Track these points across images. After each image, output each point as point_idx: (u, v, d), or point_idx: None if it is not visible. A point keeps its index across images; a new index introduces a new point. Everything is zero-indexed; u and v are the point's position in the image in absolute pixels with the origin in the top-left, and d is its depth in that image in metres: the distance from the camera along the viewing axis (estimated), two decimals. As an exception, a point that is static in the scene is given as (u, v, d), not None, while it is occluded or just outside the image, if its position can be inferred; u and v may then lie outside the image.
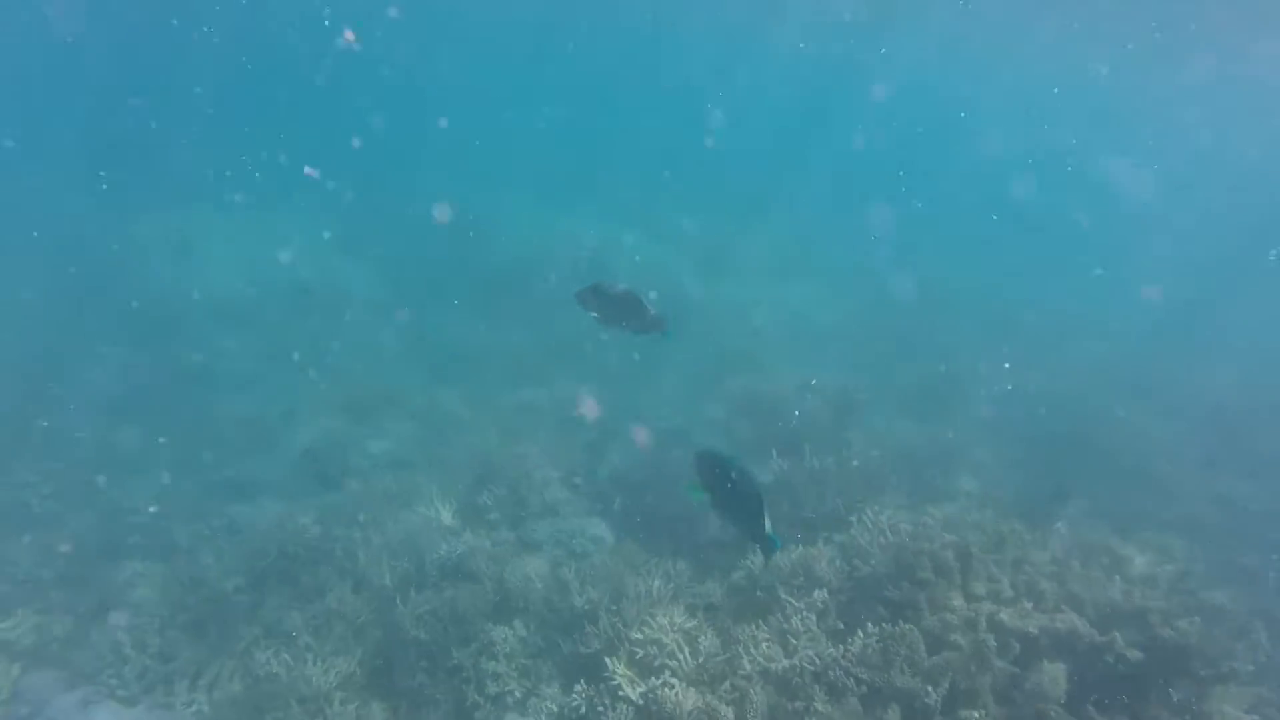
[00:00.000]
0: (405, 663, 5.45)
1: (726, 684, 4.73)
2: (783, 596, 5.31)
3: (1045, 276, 20.09)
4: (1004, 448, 10.13)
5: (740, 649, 4.89)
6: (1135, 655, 4.43)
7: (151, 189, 17.05)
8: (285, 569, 6.54)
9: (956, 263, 20.05)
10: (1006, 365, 13.05)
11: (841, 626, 5.12)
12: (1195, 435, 10.80)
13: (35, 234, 13.44)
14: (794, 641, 4.94)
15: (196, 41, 28.27)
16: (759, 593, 5.56)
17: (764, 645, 4.89)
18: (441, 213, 17.01)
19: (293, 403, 10.32)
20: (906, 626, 4.77)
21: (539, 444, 8.71)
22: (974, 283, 18.55)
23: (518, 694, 5.28)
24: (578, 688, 4.98)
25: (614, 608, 5.54)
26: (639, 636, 5.07)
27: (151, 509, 7.91)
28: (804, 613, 5.14)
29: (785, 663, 4.75)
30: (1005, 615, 4.89)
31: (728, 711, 4.47)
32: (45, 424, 9.32)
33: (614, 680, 4.84)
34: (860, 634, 4.86)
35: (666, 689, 4.59)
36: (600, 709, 4.76)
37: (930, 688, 4.48)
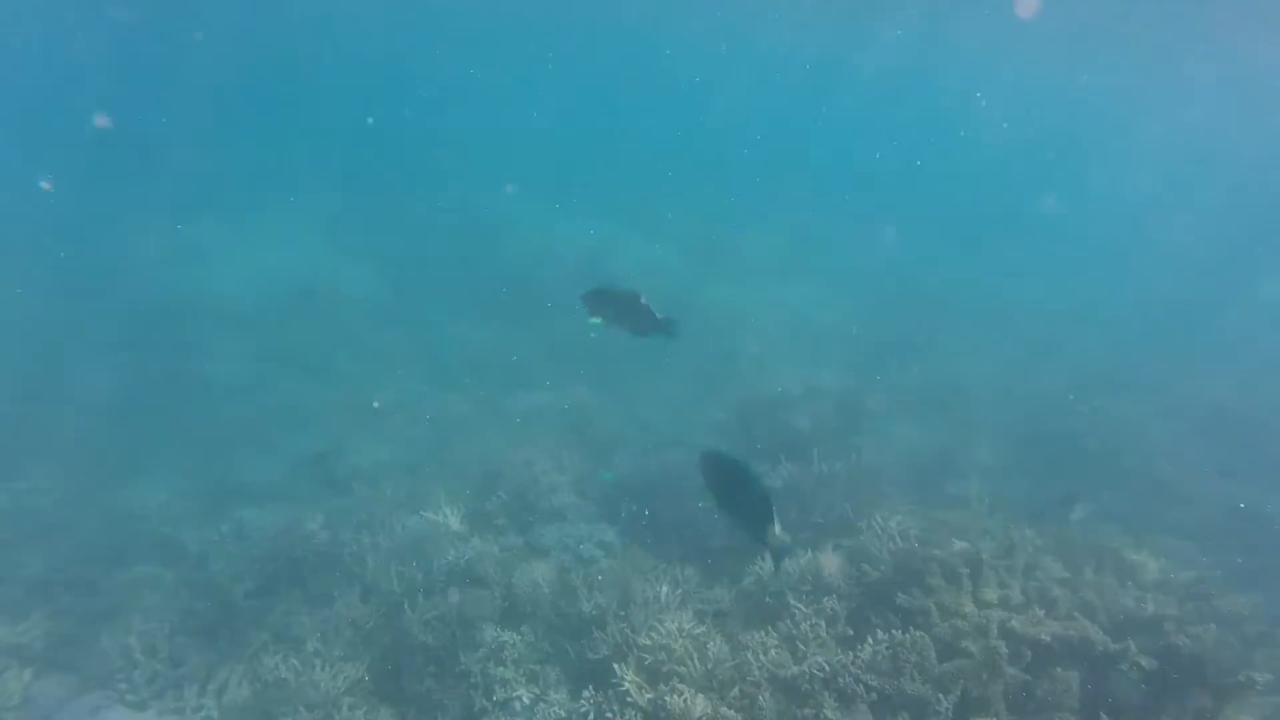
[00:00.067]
0: (413, 668, 5.45)
1: (735, 690, 4.71)
2: (791, 602, 5.28)
3: (1045, 277, 20.02)
4: (1009, 450, 10.07)
5: (749, 655, 4.86)
6: (1150, 663, 4.38)
7: (157, 193, 17.19)
8: (293, 574, 6.55)
9: (957, 263, 19.99)
10: (1008, 366, 13.01)
11: (851, 633, 5.09)
12: (1199, 437, 10.70)
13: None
14: (803, 648, 4.91)
15: (198, 46, 28.53)
16: (768, 599, 5.54)
17: (773, 651, 4.86)
18: (446, 215, 17.13)
19: (300, 407, 10.36)
20: (917, 633, 4.73)
21: (546, 448, 8.71)
22: (974, 283, 18.48)
23: (525, 699, 5.27)
24: (586, 693, 4.96)
25: (622, 613, 5.53)
26: (647, 642, 5.05)
27: (160, 513, 7.96)
28: (813, 619, 5.11)
29: (794, 669, 4.73)
30: (1017, 622, 4.85)
31: (736, 718, 4.44)
32: (52, 428, 9.40)
33: (622, 686, 4.82)
34: (870, 640, 4.83)
35: (675, 695, 4.57)
36: (608, 715, 4.74)
37: (941, 695, 4.44)
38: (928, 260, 19.65)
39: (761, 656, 4.81)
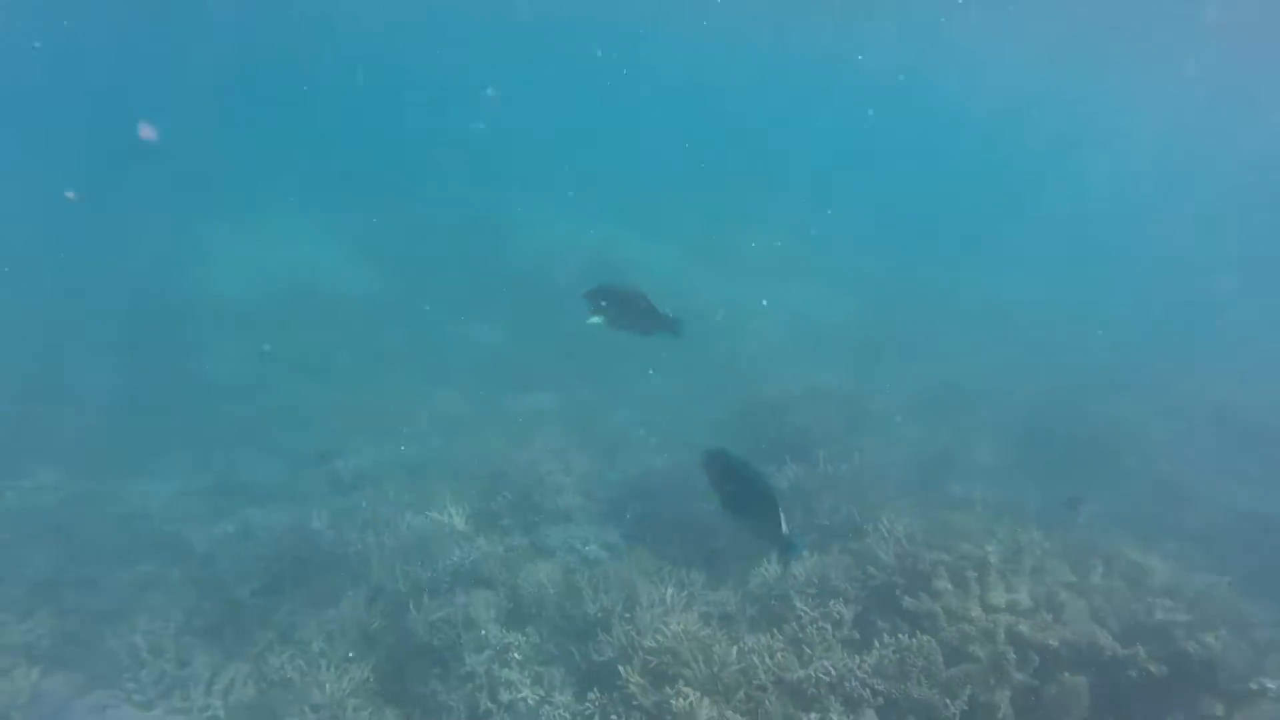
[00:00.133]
0: (418, 669, 5.45)
1: (741, 694, 4.69)
2: (797, 605, 5.26)
3: (1045, 277, 19.95)
4: (1012, 451, 10.03)
5: (755, 658, 4.84)
6: (1159, 669, 4.35)
7: (159, 193, 17.25)
8: (299, 573, 6.57)
9: (957, 262, 19.93)
10: (1009, 366, 12.96)
11: (857, 636, 5.07)
12: (1205, 439, 10.63)
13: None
14: (809, 651, 4.89)
15: (199, 46, 28.62)
16: (773, 601, 5.52)
17: (779, 655, 4.84)
18: (448, 215, 17.14)
19: (303, 407, 10.38)
20: (924, 638, 4.71)
21: (550, 448, 8.71)
22: (975, 283, 18.42)
23: (530, 701, 5.26)
24: (591, 695, 4.95)
25: (627, 615, 5.51)
26: (652, 644, 5.03)
27: (164, 512, 7.99)
28: (819, 622, 5.08)
29: (800, 673, 4.71)
30: (1024, 627, 4.82)
31: (743, 722, 4.43)
32: (56, 427, 9.44)
33: (628, 688, 4.81)
34: (877, 644, 4.81)
35: (680, 698, 4.55)
36: (613, 717, 4.73)
37: (949, 700, 4.42)
38: (928, 260, 19.61)
39: (767, 660, 4.79)
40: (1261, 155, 31.84)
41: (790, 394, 9.93)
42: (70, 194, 15.15)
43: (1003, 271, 19.48)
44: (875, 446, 9.01)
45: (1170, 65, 23.63)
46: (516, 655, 5.45)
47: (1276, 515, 8.26)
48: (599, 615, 5.61)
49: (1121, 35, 21.07)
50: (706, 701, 4.53)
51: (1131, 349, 14.68)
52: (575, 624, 5.69)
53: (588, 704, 4.92)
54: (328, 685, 5.21)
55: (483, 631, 5.56)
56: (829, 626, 5.05)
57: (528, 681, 5.33)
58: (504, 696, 5.23)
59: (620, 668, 4.92)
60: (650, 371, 11.36)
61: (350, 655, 5.57)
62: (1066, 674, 4.50)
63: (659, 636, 5.04)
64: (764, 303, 13.86)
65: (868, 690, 4.56)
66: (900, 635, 4.78)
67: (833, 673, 4.65)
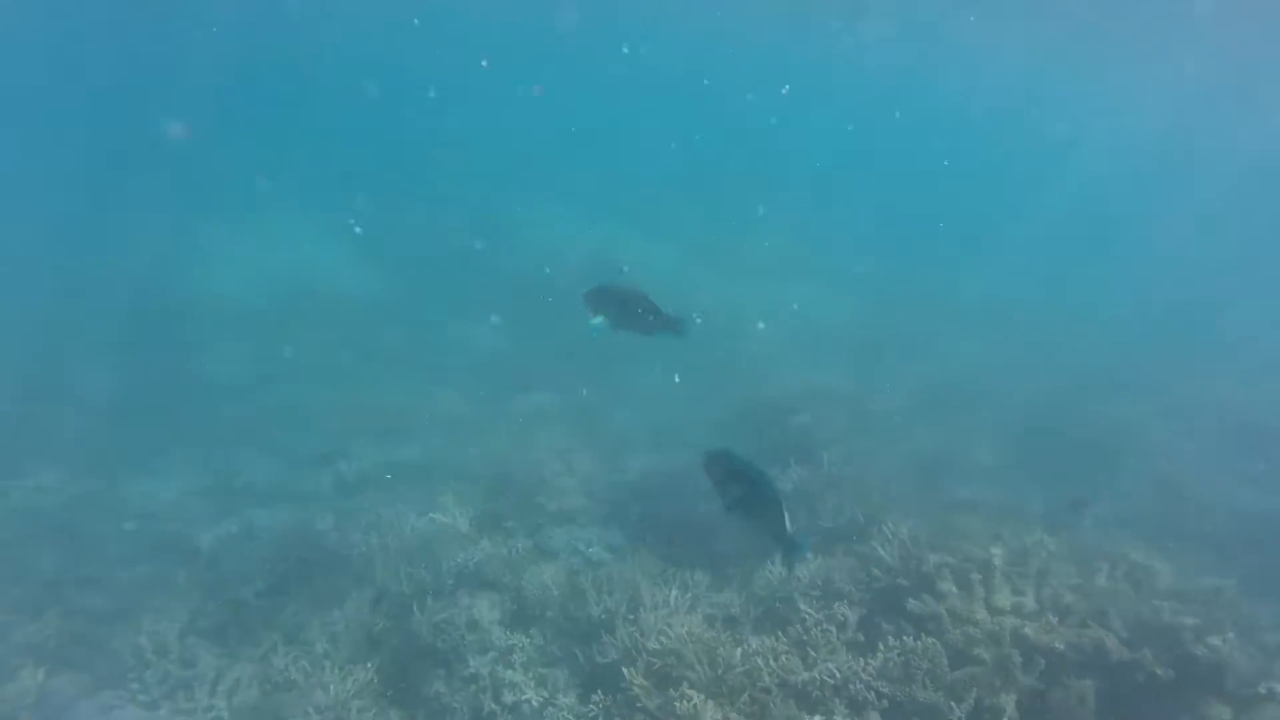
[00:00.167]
0: (422, 670, 5.45)
1: (745, 696, 4.68)
2: (802, 608, 5.25)
3: (1047, 277, 19.90)
4: (1017, 452, 10.00)
5: (759, 660, 4.83)
6: (1166, 673, 4.33)
7: (161, 193, 17.30)
8: (303, 574, 6.57)
9: (957, 263, 19.90)
10: (1011, 367, 12.92)
11: (862, 639, 5.05)
12: (1211, 440, 10.58)
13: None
14: (814, 654, 4.88)
15: (200, 46, 28.71)
16: (778, 603, 5.51)
17: (783, 657, 4.83)
18: (450, 216, 17.14)
19: (306, 408, 10.40)
20: (929, 640, 4.69)
21: (554, 450, 8.71)
22: (976, 283, 18.38)
23: (534, 703, 5.26)
24: (595, 697, 4.95)
25: (631, 617, 5.51)
26: (656, 646, 5.02)
27: (169, 512, 8.01)
28: (824, 625, 5.07)
29: (805, 675, 4.69)
30: (1030, 629, 4.80)
31: (747, 725, 4.42)
32: (60, 428, 9.47)
33: (631, 691, 4.80)
34: (882, 647, 4.80)
35: (684, 700, 4.54)
36: (617, 719, 4.73)
37: (954, 703, 4.40)
38: (928, 260, 19.58)
39: (772, 662, 4.78)
40: (1261, 155, 31.72)
41: (792, 395, 9.93)
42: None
43: (1003, 271, 19.46)
44: (878, 447, 9.00)
45: (1169, 62, 23.52)
46: (520, 657, 5.45)
47: None
48: (603, 617, 5.61)
49: (1118, 32, 20.99)
50: (711, 704, 4.52)
51: (1132, 349, 14.65)
52: (579, 626, 5.69)
53: (591, 706, 4.91)
54: (332, 687, 5.22)
55: (487, 633, 5.56)
56: (833, 629, 5.04)
57: (531, 683, 5.32)
58: (508, 698, 5.23)
59: (624, 670, 4.92)
60: (653, 372, 11.35)
61: (354, 657, 5.58)
62: (1072, 677, 4.48)
63: (663, 639, 5.03)
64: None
65: (872, 693, 4.55)
66: (905, 638, 4.76)
67: (837, 675, 4.64)
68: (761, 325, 13.93)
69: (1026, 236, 24.05)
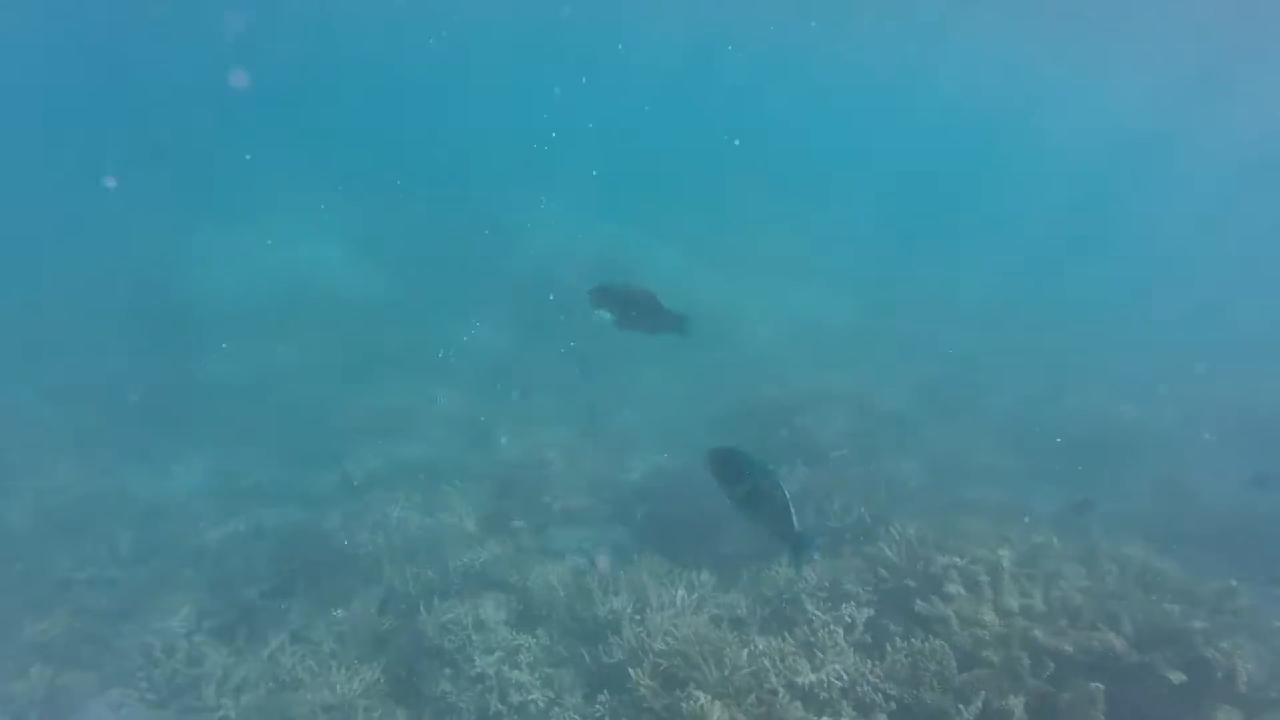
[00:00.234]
0: (429, 670, 5.46)
1: (752, 697, 4.66)
2: (809, 609, 5.23)
3: (1052, 276, 19.81)
4: (1023, 453, 9.96)
5: (766, 661, 4.81)
6: (1178, 676, 4.29)
7: (168, 194, 17.40)
8: (310, 574, 6.59)
9: (960, 263, 19.82)
10: (1020, 367, 12.86)
11: (869, 640, 5.03)
12: (1223, 443, 10.50)
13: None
14: (821, 655, 4.86)
15: (208, 48, 28.83)
16: (785, 604, 5.49)
17: (790, 658, 4.81)
18: (457, 216, 17.18)
19: (313, 407, 10.44)
20: (937, 642, 4.67)
21: (559, 449, 8.72)
22: (978, 283, 18.31)
23: (541, 703, 5.26)
24: (601, 698, 4.94)
25: (637, 617, 5.50)
26: (662, 647, 5.02)
27: (178, 512, 8.05)
28: (831, 626, 5.05)
29: (812, 677, 4.67)
30: (1039, 632, 4.77)
31: (754, 727, 4.40)
32: (71, 427, 9.54)
33: (638, 691, 4.79)
34: (889, 648, 4.78)
35: (691, 701, 4.53)
36: (624, 720, 4.73)
37: (962, 706, 4.38)
38: (931, 260, 19.52)
39: (779, 663, 4.77)
40: (1262, 156, 31.49)
41: (797, 394, 9.91)
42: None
43: (1004, 271, 19.38)
44: (884, 447, 8.97)
45: (1166, 57, 23.39)
46: (527, 657, 5.45)
47: None
48: (609, 618, 5.60)
49: (1115, 28, 20.89)
50: (718, 705, 4.50)
51: (1137, 348, 14.57)
52: (585, 626, 5.69)
53: (598, 706, 4.91)
54: (339, 686, 5.23)
55: (493, 633, 5.56)
56: (840, 630, 5.02)
57: (538, 683, 5.32)
58: (514, 698, 5.23)
59: (630, 670, 4.91)
60: (659, 373, 11.36)
61: (361, 656, 5.59)
62: (1082, 680, 4.44)
63: (669, 639, 5.02)
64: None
65: (880, 695, 4.53)
66: (913, 639, 4.74)
67: (845, 677, 4.62)
68: (765, 325, 13.92)
69: (1028, 235, 23.96)
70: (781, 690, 4.63)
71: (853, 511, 6.75)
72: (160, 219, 16.26)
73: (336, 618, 5.95)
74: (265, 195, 18.27)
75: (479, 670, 5.36)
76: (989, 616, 4.96)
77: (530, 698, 5.23)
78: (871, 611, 5.27)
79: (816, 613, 5.18)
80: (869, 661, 4.72)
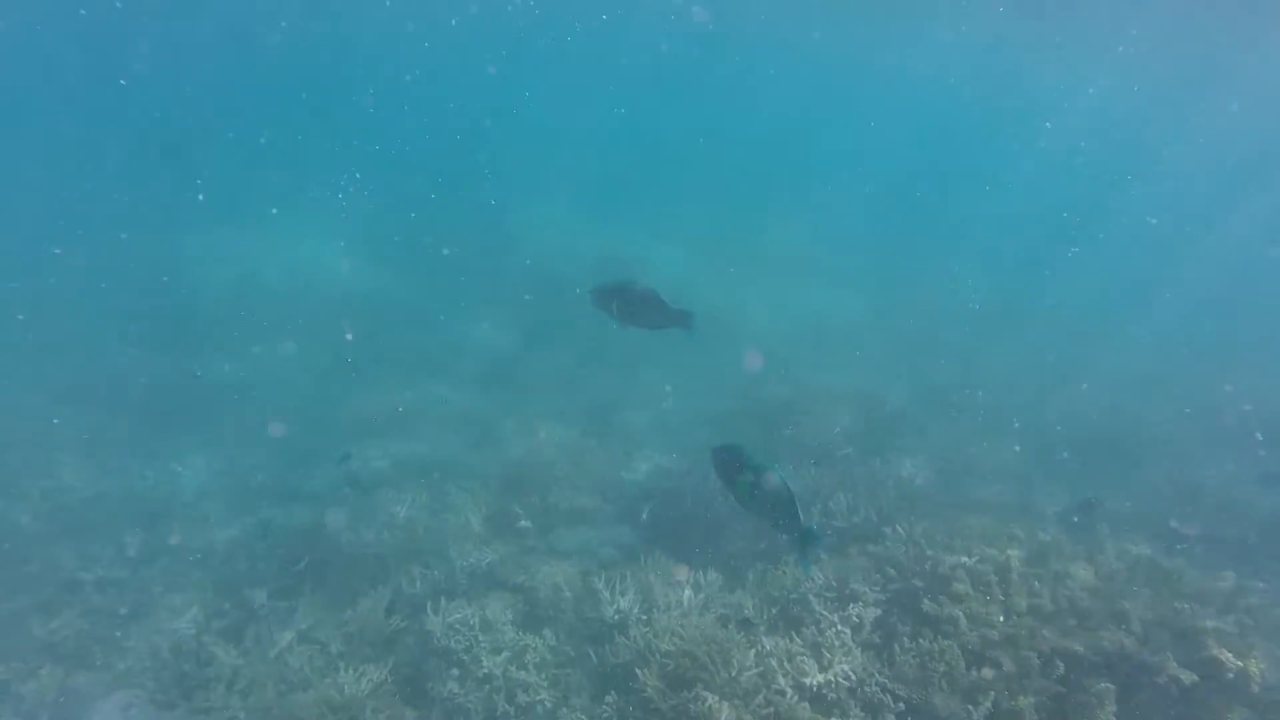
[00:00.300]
0: (436, 671, 5.47)
1: (760, 698, 4.65)
2: (816, 609, 5.21)
3: (1059, 278, 19.73)
4: (1032, 453, 9.90)
5: (773, 662, 4.80)
6: (1189, 677, 4.26)
7: (173, 195, 17.46)
8: (317, 574, 6.61)
9: (970, 265, 19.74)
10: (1030, 366, 12.80)
11: (877, 640, 5.01)
12: (1227, 441, 10.43)
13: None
14: (829, 656, 4.84)
15: (221, 48, 28.93)
16: (792, 605, 5.47)
17: (798, 659, 4.80)
18: (465, 217, 17.21)
19: (320, 407, 10.46)
20: (945, 642, 4.65)
21: (565, 449, 8.71)
22: (989, 285, 18.24)
23: (548, 704, 5.26)
24: (608, 698, 4.94)
25: (644, 618, 5.50)
26: (670, 648, 5.01)
27: (185, 512, 8.08)
28: (838, 626, 5.04)
29: (820, 677, 4.66)
30: (1048, 631, 4.75)
31: (762, 727, 4.39)
32: (78, 428, 9.57)
33: (645, 692, 4.79)
34: (897, 648, 4.76)
35: (699, 702, 4.53)
36: (631, 721, 4.72)
37: (971, 706, 4.36)
38: (941, 261, 19.45)
39: (786, 664, 4.76)
40: (1262, 155, 31.25)
41: (804, 393, 9.89)
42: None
43: (1012, 271, 19.30)
44: (889, 446, 8.94)
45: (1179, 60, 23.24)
46: (534, 657, 5.45)
47: None
48: (616, 618, 5.60)
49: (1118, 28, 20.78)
50: (725, 706, 4.50)
51: (1146, 348, 14.50)
52: (592, 626, 5.68)
53: (605, 707, 4.90)
54: (346, 686, 5.24)
55: (500, 634, 5.56)
56: (848, 630, 5.00)
57: (545, 684, 5.32)
58: (521, 699, 5.23)
59: (638, 671, 4.90)
60: (665, 372, 11.34)
61: (368, 657, 5.60)
62: (1091, 680, 4.42)
63: (676, 639, 5.02)
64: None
65: (888, 695, 4.52)
66: (921, 639, 4.72)
67: (853, 677, 4.61)
68: (767, 324, 13.90)
69: (1027, 236, 23.89)
70: (789, 691, 4.62)
71: (859, 511, 6.73)
72: (166, 217, 16.32)
73: (344, 618, 5.97)
74: (269, 194, 18.32)
75: (486, 671, 5.36)
76: (998, 616, 4.94)
77: (537, 698, 5.23)
78: (879, 611, 5.25)
79: (824, 613, 5.16)
80: (877, 662, 4.70)
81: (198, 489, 8.62)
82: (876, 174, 31.46)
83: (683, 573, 5.96)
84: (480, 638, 5.52)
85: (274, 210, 17.57)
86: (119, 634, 6.16)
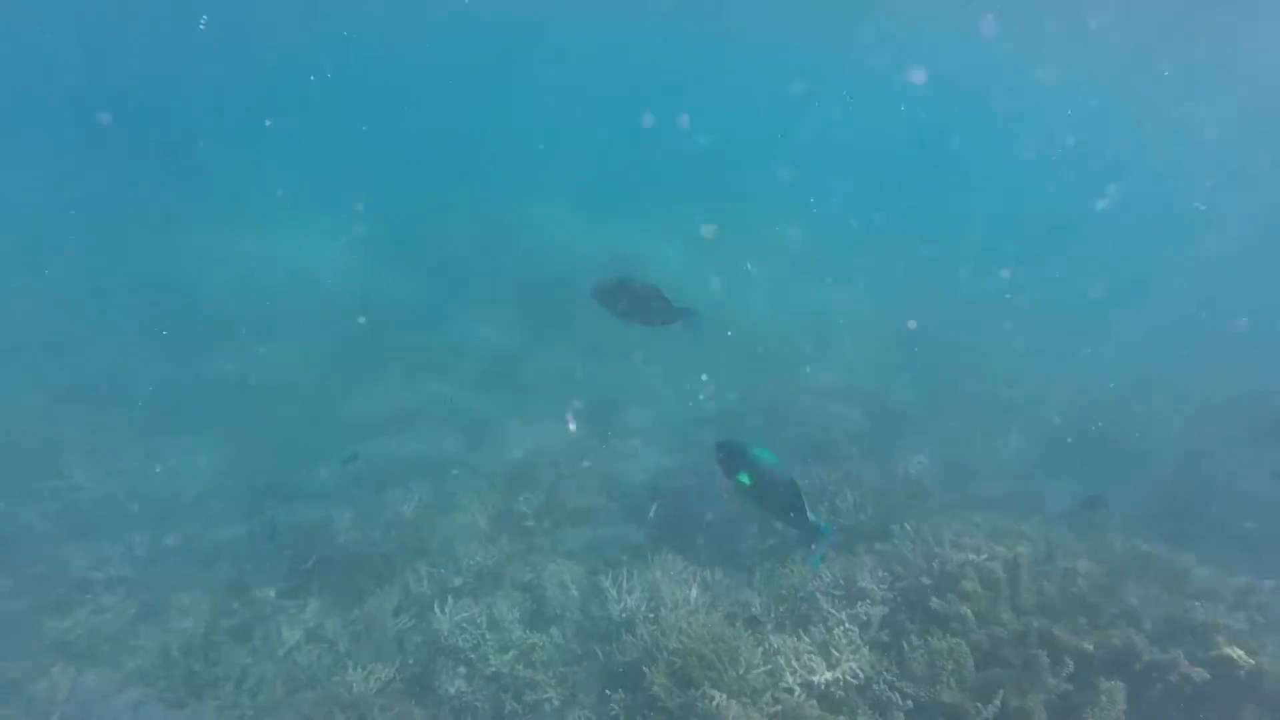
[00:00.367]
0: (444, 669, 5.48)
1: (767, 696, 4.65)
2: (824, 607, 5.20)
3: (1067, 275, 19.62)
4: (1040, 450, 9.86)
5: (781, 660, 4.79)
6: (1201, 675, 4.23)
7: (175, 195, 17.50)
8: (325, 573, 6.64)
9: (975, 261, 19.64)
10: (1035, 366, 12.74)
11: (885, 639, 4.99)
12: (1236, 438, 10.37)
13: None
14: (837, 654, 4.83)
15: (225, 50, 29.00)
16: (800, 603, 5.46)
17: (805, 657, 4.79)
18: (468, 218, 17.23)
19: (325, 407, 10.49)
20: (954, 640, 4.63)
21: (570, 448, 8.71)
22: (994, 282, 18.14)
23: (555, 702, 5.27)
24: (616, 696, 4.94)
25: (651, 616, 5.50)
26: (677, 646, 5.00)
27: (192, 512, 8.13)
28: (846, 624, 5.02)
29: (828, 675, 4.65)
30: (1058, 629, 4.72)
31: (770, 726, 4.38)
32: (86, 428, 9.63)
33: (652, 690, 4.79)
34: (905, 647, 4.74)
35: (706, 700, 4.52)
36: (639, 719, 4.72)
37: (980, 705, 4.34)
38: (945, 259, 19.37)
39: (794, 662, 4.74)
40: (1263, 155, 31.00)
41: (810, 391, 9.87)
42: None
43: (1021, 270, 19.18)
44: (895, 444, 8.92)
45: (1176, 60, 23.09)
46: (541, 656, 5.46)
47: None
48: (623, 616, 5.60)
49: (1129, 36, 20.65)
50: (733, 704, 4.49)
51: (1155, 346, 14.41)
52: (599, 625, 5.69)
53: (612, 705, 4.90)
54: (355, 685, 5.26)
55: (507, 632, 5.57)
56: (856, 628, 4.98)
57: (552, 682, 5.33)
58: (529, 697, 5.24)
59: (645, 669, 4.90)
60: (670, 372, 11.33)
61: (375, 656, 5.62)
62: (1102, 679, 4.40)
63: (684, 637, 5.01)
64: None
65: (896, 694, 4.50)
66: (929, 637, 4.70)
67: (861, 675, 4.59)
68: (770, 321, 13.87)
69: (1028, 235, 23.77)
70: (797, 689, 4.61)
71: (866, 508, 6.71)
72: (166, 217, 16.38)
73: (351, 617, 5.99)
74: (272, 194, 18.38)
75: (494, 669, 5.38)
76: (1007, 614, 4.91)
77: (545, 696, 5.24)
78: (887, 609, 5.24)
79: (831, 610, 5.15)
80: (885, 660, 4.69)
81: (203, 488, 8.66)
82: (876, 174, 31.38)
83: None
84: (488, 636, 5.53)
85: (275, 210, 17.63)
86: (129, 633, 6.20)
